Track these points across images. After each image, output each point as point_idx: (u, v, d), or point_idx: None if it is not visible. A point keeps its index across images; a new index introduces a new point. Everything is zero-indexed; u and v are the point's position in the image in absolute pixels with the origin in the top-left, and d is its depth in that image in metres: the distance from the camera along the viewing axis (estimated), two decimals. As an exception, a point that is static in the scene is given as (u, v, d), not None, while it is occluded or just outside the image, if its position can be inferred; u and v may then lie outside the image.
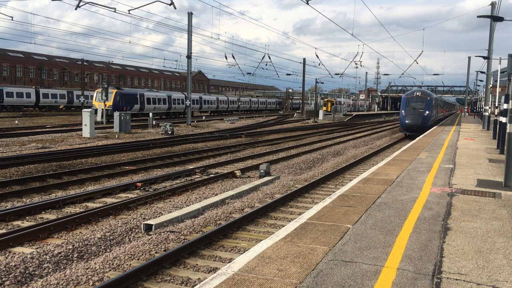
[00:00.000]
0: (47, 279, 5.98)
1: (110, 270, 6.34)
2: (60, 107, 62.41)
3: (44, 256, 6.70)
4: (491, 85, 34.46)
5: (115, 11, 26.74)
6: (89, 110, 25.05)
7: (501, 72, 37.30)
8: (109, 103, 39.67)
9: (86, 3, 24.11)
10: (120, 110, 38.87)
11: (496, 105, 34.90)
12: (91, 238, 7.58)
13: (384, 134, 35.28)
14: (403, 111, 31.36)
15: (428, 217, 6.64)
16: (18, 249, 7.22)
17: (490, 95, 34.76)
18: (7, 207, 9.57)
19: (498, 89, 40.28)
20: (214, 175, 13.75)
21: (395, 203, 7.52)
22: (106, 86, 38.44)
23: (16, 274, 6.10)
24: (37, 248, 7.22)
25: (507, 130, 9.36)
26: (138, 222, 8.64)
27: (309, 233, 5.81)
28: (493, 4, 30.24)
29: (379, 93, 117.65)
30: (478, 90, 75.39)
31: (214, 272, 5.69)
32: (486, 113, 32.43)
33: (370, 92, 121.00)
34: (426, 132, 26.96)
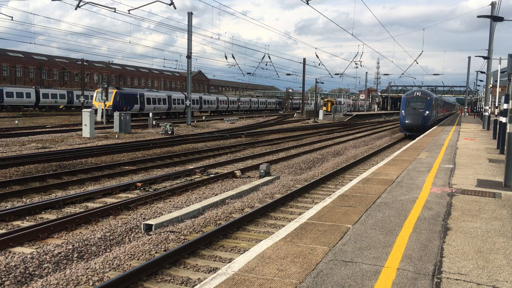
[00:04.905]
0: (47, 279, 5.98)
1: (110, 270, 6.34)
2: (60, 107, 62.43)
3: (44, 256, 6.70)
4: (491, 85, 34.46)
5: (115, 11, 26.75)
6: (89, 110, 25.05)
7: (501, 72, 37.30)
8: (109, 103, 39.67)
9: (86, 3, 24.12)
10: (120, 110, 38.87)
11: (496, 105, 34.91)
12: (91, 238, 7.58)
13: (384, 134, 35.28)
14: (403, 111, 31.37)
15: (428, 217, 6.64)
16: (18, 249, 7.21)
17: (490, 95, 34.77)
18: (7, 207, 9.57)
19: (498, 89, 40.29)
20: (214, 175, 13.75)
21: (395, 203, 7.52)
22: (106, 86, 38.44)
23: (16, 274, 6.10)
24: (37, 248, 7.22)
25: (507, 130, 9.35)
26: (138, 222, 8.64)
27: (309, 233, 5.81)
28: (493, 4, 30.24)
29: (379, 93, 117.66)
30: (478, 90, 75.43)
31: (214, 272, 5.69)
32: (486, 113, 32.44)
33: (370, 92, 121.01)
34: (426, 132, 26.96)
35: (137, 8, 25.86)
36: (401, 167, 11.82)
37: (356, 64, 58.42)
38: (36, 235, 7.73)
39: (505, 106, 13.43)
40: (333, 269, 4.57)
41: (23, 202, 10.15)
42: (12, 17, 34.65)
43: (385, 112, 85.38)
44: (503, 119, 14.58)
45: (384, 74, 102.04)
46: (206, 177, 13.61)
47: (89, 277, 6.09)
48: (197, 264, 6.63)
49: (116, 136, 25.27)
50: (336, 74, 66.63)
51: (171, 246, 7.38)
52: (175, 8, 25.47)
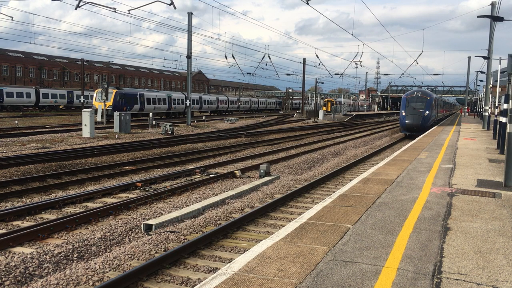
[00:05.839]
0: (47, 279, 5.98)
1: (110, 270, 6.34)
2: (60, 107, 62.44)
3: (44, 256, 6.70)
4: (491, 85, 34.46)
5: (115, 11, 26.75)
6: (89, 110, 25.05)
7: (501, 72, 37.32)
8: (109, 103, 39.67)
9: (86, 3, 24.12)
10: (120, 110, 38.87)
11: (496, 105, 34.91)
12: (91, 238, 7.58)
13: (384, 134, 35.28)
14: (403, 111, 31.37)
15: (428, 217, 6.64)
16: (18, 249, 7.22)
17: (490, 95, 34.77)
18: (7, 207, 9.57)
19: (498, 89, 40.29)
20: (214, 175, 13.75)
21: (395, 203, 7.52)
22: (106, 86, 38.44)
23: (16, 274, 6.10)
24: (37, 248, 7.22)
25: (507, 130, 9.36)
26: (138, 222, 8.64)
27: (309, 233, 5.81)
28: (493, 4, 30.24)
29: (379, 93, 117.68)
30: (478, 90, 75.45)
31: (214, 272, 5.69)
32: (486, 113, 32.44)
33: (370, 92, 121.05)
34: (426, 132, 26.96)
35: (137, 8, 25.87)
36: (401, 167, 11.82)
37: (356, 64, 58.38)
38: (36, 235, 7.73)
39: (505, 106, 13.43)
40: (333, 269, 4.57)
41: (23, 202, 10.15)
42: (12, 17, 34.67)
43: (385, 112, 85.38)
44: (503, 119, 14.58)
45: (384, 74, 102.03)
46: (206, 177, 13.61)
47: (89, 277, 6.09)
48: (197, 264, 6.63)
49: (116, 136, 25.27)
50: (336, 74, 66.67)
51: (171, 246, 7.38)
52: (175, 8, 25.49)
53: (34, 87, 61.35)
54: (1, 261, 6.46)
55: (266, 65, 53.04)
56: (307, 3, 19.66)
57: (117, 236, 7.85)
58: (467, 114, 67.73)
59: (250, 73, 60.80)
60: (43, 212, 9.47)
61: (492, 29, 31.90)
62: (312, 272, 4.47)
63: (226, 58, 55.29)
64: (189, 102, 38.12)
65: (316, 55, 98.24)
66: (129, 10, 26.38)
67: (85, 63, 60.24)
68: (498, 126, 17.80)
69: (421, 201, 7.69)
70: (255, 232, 8.34)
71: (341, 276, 4.39)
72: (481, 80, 56.26)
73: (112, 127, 28.89)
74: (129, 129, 28.22)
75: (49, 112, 55.73)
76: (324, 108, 69.19)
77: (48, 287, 5.75)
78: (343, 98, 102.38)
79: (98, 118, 36.09)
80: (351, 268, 4.60)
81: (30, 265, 6.40)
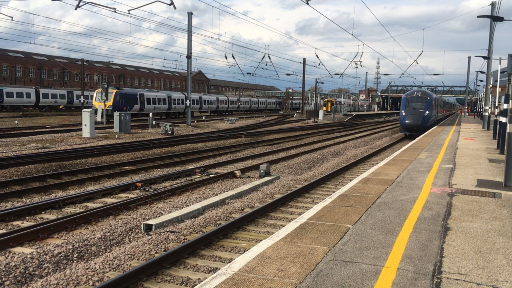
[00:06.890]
0: (47, 279, 5.98)
1: (110, 270, 6.34)
2: (60, 107, 62.44)
3: (44, 256, 6.70)
4: (491, 85, 34.46)
5: (115, 11, 26.76)
6: (89, 110, 25.05)
7: (501, 72, 37.32)
8: (109, 103, 39.68)
9: (86, 3, 24.12)
10: (120, 110, 38.88)
11: (496, 105, 34.91)
12: (91, 238, 7.58)
13: (384, 134, 35.27)
14: (403, 111, 31.38)
15: (428, 217, 6.64)
16: (18, 249, 7.22)
17: (490, 95, 34.77)
18: (7, 207, 9.57)
19: (498, 89, 40.30)
20: (214, 175, 13.75)
21: (395, 203, 7.52)
22: (106, 86, 38.43)
23: (16, 274, 6.10)
24: (37, 248, 7.22)
25: (507, 130, 9.35)
26: (138, 222, 8.64)
27: (309, 233, 5.81)
28: (493, 4, 30.24)
29: (379, 93, 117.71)
30: (478, 90, 75.46)
31: (214, 272, 5.69)
32: (486, 113, 32.44)
33: (370, 92, 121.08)
34: (426, 132, 26.96)
35: (137, 8, 25.88)
36: (401, 167, 11.82)
37: (356, 64, 58.35)
38: (36, 235, 7.73)
39: (505, 106, 13.43)
40: (333, 269, 4.57)
41: (23, 202, 10.15)
42: (12, 17, 34.67)
43: (385, 112, 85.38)
44: (503, 119, 14.58)
45: (384, 74, 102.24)
46: (206, 177, 13.61)
47: (89, 277, 6.09)
48: (197, 264, 6.63)
49: (116, 136, 25.27)
50: (336, 74, 66.67)
51: (171, 246, 7.38)
52: (175, 8, 25.51)
53: (34, 87, 61.35)
54: (1, 261, 6.46)
55: (266, 65, 53.09)
56: (307, 3, 19.67)
57: (117, 236, 7.85)
58: (467, 114, 67.74)
59: (250, 73, 60.83)
60: (43, 212, 9.47)
61: (492, 29, 31.91)
62: (312, 272, 4.47)
63: (226, 58, 55.30)
64: (189, 102, 38.11)
65: (316, 55, 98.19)
66: (129, 10, 26.40)
67: (85, 63, 60.23)
68: (498, 126, 17.80)
69: (421, 201, 7.69)
70: (255, 232, 8.33)
71: (341, 276, 4.39)
72: (481, 80, 56.30)
73: (112, 127, 28.89)
74: (129, 129, 28.22)
75: (49, 112, 55.74)
76: (324, 108, 69.21)
77: (48, 287, 5.75)
78: (343, 98, 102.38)
79: (98, 118, 36.09)
80: (351, 268, 4.60)
81: (30, 265, 6.40)
